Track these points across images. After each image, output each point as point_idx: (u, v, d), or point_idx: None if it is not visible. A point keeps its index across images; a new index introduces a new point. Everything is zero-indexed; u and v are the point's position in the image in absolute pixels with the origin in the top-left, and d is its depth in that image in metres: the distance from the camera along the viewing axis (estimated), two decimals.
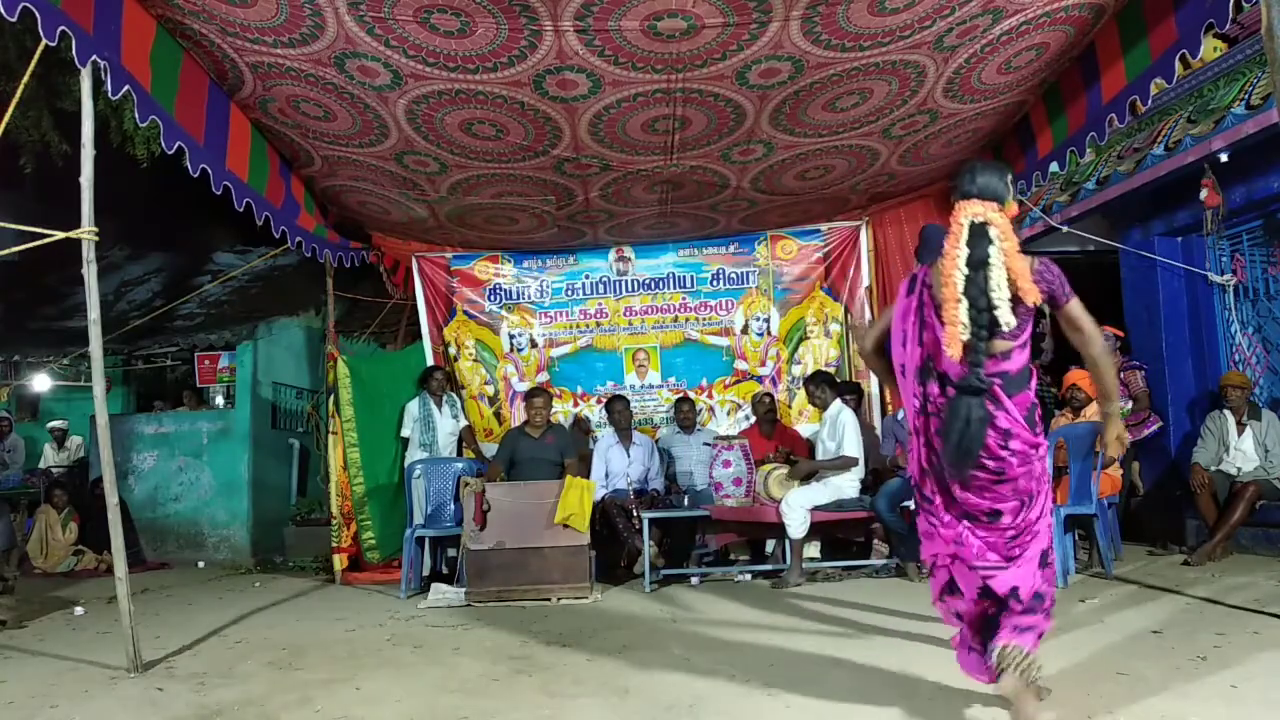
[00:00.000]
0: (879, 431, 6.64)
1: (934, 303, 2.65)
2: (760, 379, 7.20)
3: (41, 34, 3.29)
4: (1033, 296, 2.51)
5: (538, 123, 4.86)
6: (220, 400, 9.98)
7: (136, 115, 3.89)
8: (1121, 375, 6.32)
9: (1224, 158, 5.71)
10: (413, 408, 6.80)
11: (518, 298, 7.45)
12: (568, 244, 7.26)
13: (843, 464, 5.48)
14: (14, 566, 6.74)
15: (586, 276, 7.43)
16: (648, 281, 7.39)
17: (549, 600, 5.11)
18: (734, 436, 6.14)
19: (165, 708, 3.14)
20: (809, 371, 6.81)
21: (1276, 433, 5.53)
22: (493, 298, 7.44)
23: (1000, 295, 2.48)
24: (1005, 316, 2.49)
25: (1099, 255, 7.27)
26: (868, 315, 7.07)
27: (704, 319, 7.32)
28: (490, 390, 7.40)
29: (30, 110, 5.55)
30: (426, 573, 6.03)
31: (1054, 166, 5.33)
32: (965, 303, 2.50)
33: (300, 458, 9.46)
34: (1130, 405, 6.29)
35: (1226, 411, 5.64)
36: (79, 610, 5.38)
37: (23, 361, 10.99)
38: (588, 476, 5.98)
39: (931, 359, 2.65)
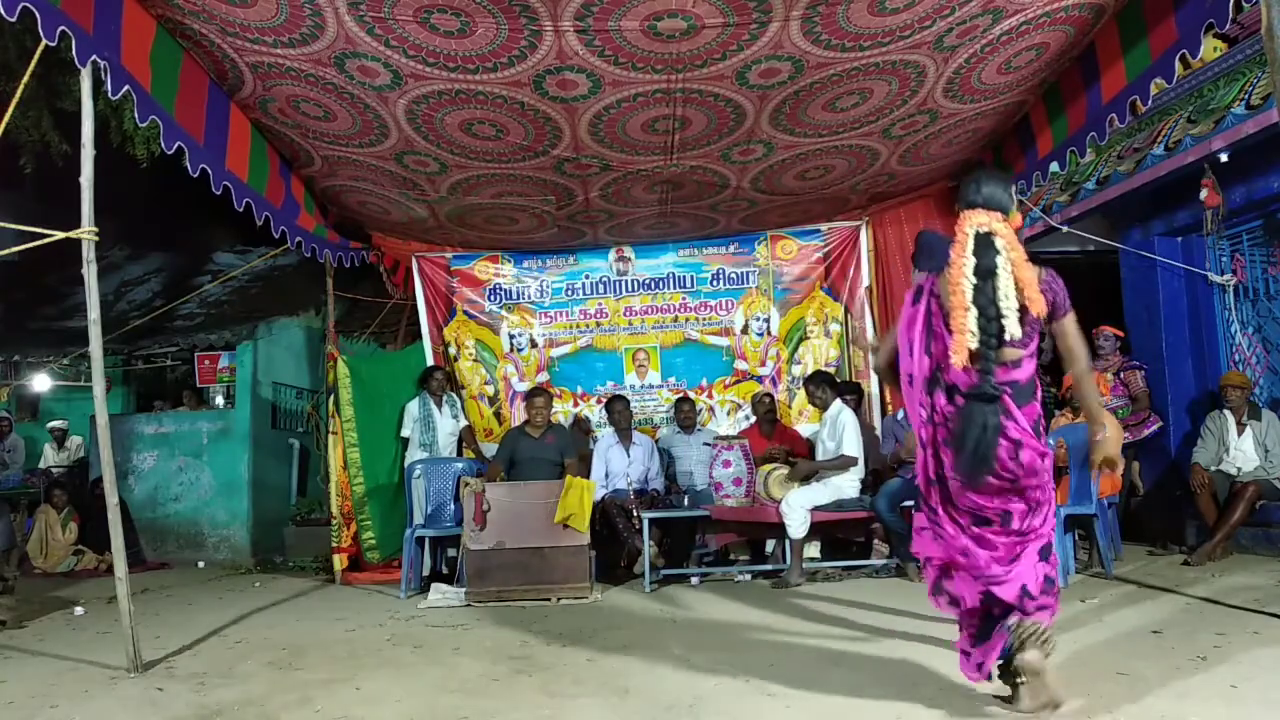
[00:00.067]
0: (879, 431, 6.63)
1: (942, 312, 2.67)
2: (760, 379, 7.20)
3: (41, 34, 3.29)
4: (1039, 307, 2.55)
5: (538, 123, 4.86)
6: (220, 400, 9.98)
7: (136, 115, 3.89)
8: (1121, 375, 6.33)
9: (1224, 158, 5.71)
10: (413, 408, 6.80)
11: (518, 298, 7.45)
12: (568, 244, 7.26)
13: (842, 464, 5.48)
14: (14, 566, 6.74)
15: (586, 276, 7.43)
16: (648, 281, 7.39)
17: (549, 600, 5.10)
18: (734, 436, 6.15)
19: (165, 708, 3.14)
20: (809, 371, 6.81)
21: (1276, 433, 5.53)
22: (493, 298, 7.44)
23: (1009, 305, 2.52)
24: (1012, 327, 2.52)
25: (1099, 255, 7.27)
26: (868, 316, 7.08)
27: (704, 319, 7.32)
28: (490, 390, 7.40)
29: (30, 110, 5.56)
30: (426, 573, 6.03)
31: (1054, 166, 5.33)
32: (974, 311, 2.54)
33: (300, 458, 9.46)
34: (1130, 405, 6.29)
35: (1226, 411, 5.64)
36: (79, 610, 5.38)
37: (23, 361, 10.99)
38: (588, 476, 5.98)
39: (940, 369, 2.67)
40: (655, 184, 5.88)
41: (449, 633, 4.35)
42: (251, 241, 7.46)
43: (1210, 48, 5.80)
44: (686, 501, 6.00)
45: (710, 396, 7.26)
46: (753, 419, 6.75)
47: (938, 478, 2.69)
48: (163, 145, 4.14)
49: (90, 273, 3.69)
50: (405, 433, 6.80)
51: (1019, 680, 2.63)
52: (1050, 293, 2.60)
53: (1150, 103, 5.09)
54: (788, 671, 3.27)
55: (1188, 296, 6.52)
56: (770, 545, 6.04)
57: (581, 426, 7.13)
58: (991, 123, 5.34)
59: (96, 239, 3.67)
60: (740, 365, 7.26)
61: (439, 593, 5.39)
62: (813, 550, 5.98)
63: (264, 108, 4.70)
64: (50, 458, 10.06)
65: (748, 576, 5.74)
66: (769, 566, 5.80)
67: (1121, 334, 6.51)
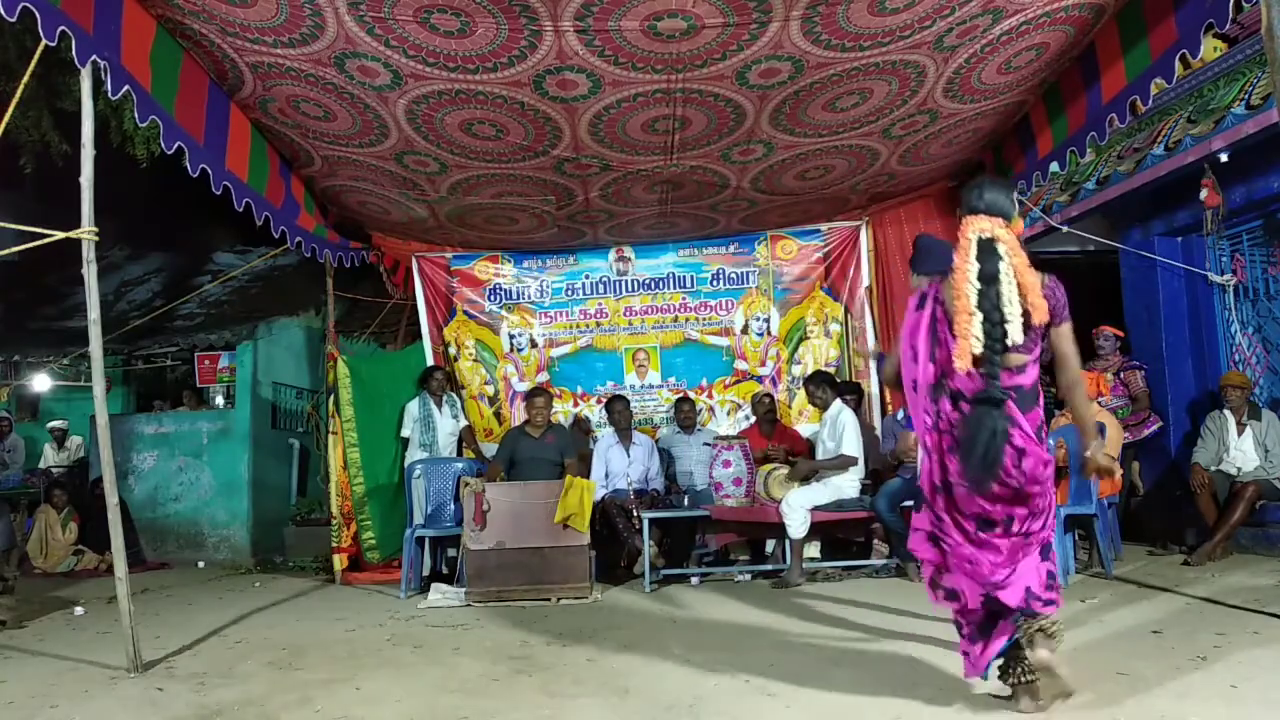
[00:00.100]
0: (879, 431, 6.63)
1: (947, 318, 2.69)
2: (760, 379, 7.20)
3: (41, 34, 3.29)
4: (1042, 314, 2.58)
5: (538, 123, 4.86)
6: (220, 400, 9.98)
7: (136, 115, 3.89)
8: (1121, 375, 6.33)
9: (1224, 158, 5.70)
10: (413, 408, 6.80)
11: (518, 298, 7.45)
12: (568, 244, 7.26)
13: (842, 464, 5.48)
14: (14, 566, 6.74)
15: (586, 276, 7.43)
16: (648, 281, 7.39)
17: (549, 600, 5.10)
18: (734, 436, 6.15)
19: (165, 708, 3.14)
20: (809, 371, 6.81)
21: (1276, 433, 5.53)
22: (493, 298, 7.44)
23: (1012, 310, 2.55)
24: (1015, 333, 2.55)
25: (1099, 255, 7.26)
26: (868, 316, 7.08)
27: (704, 319, 7.32)
28: (490, 390, 7.40)
29: (30, 110, 5.56)
30: (426, 573, 6.03)
31: (1054, 166, 5.33)
32: (979, 315, 2.56)
33: (300, 458, 9.46)
34: (1130, 405, 6.29)
35: (1226, 411, 5.64)
36: (79, 610, 5.38)
37: (23, 361, 10.99)
38: (588, 476, 5.98)
39: (945, 375, 2.68)
40: (655, 184, 5.88)
41: (449, 633, 4.35)
42: (251, 241, 7.46)
43: (1210, 48, 5.79)
44: (686, 501, 6.00)
45: (710, 396, 7.26)
46: (753, 419, 6.76)
47: (943, 484, 2.70)
48: (163, 145, 4.14)
49: (90, 273, 3.69)
50: (405, 433, 6.80)
51: (1023, 680, 2.64)
52: (1052, 299, 2.63)
53: (1150, 103, 5.09)
54: (788, 671, 3.27)
55: (1188, 296, 6.51)
56: (770, 545, 6.05)
57: (581, 426, 7.13)
58: (991, 123, 5.34)
59: (96, 239, 3.67)
60: (740, 365, 7.26)
61: (439, 593, 5.39)
62: (813, 550, 5.98)
63: (264, 108, 4.70)
64: (50, 458, 10.07)
65: (748, 576, 5.74)
66: (769, 566, 5.80)
67: (1121, 334, 6.51)
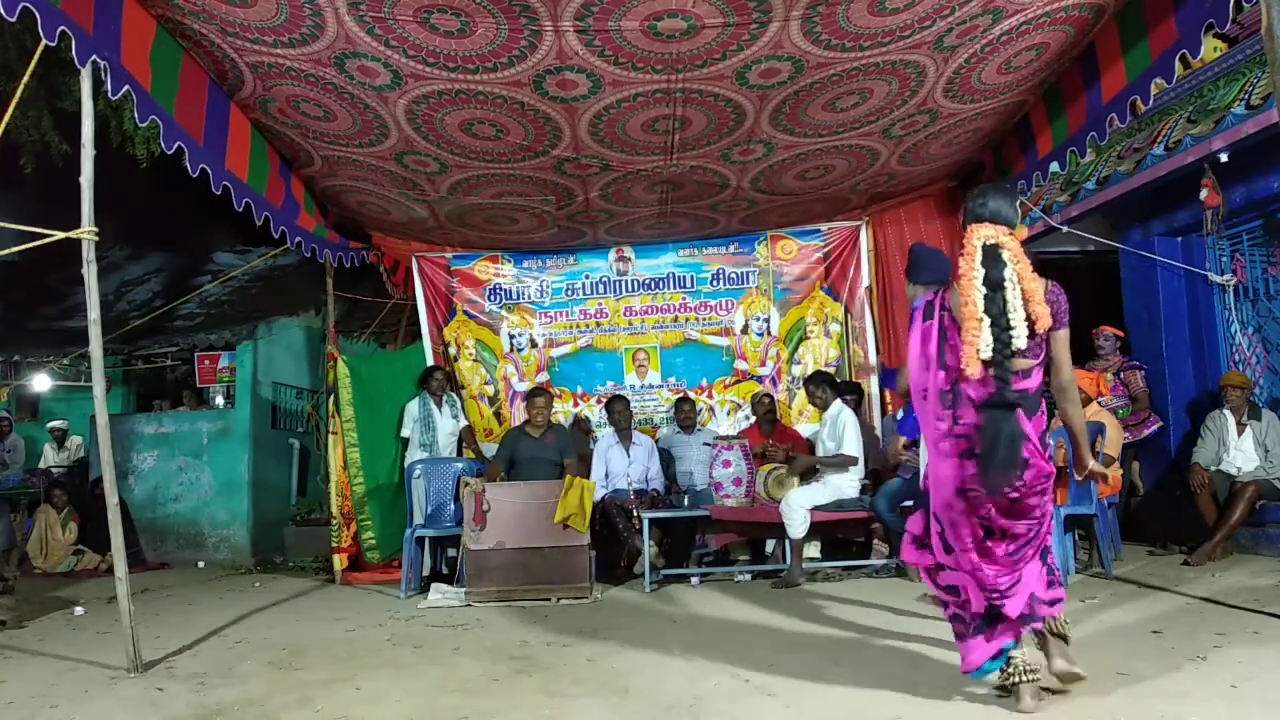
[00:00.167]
0: (879, 431, 6.64)
1: (955, 325, 2.73)
2: (760, 379, 7.20)
3: (41, 34, 3.29)
4: (1044, 321, 2.64)
5: (538, 123, 4.86)
6: (220, 400, 9.98)
7: (136, 115, 3.89)
8: (1121, 375, 6.33)
9: (1224, 158, 5.70)
10: (413, 408, 6.80)
11: (518, 298, 7.45)
12: (568, 244, 7.26)
13: (841, 462, 5.48)
14: (14, 566, 6.74)
15: (586, 276, 7.43)
16: (648, 281, 7.39)
17: (549, 600, 5.10)
18: (734, 436, 6.15)
19: (165, 708, 3.14)
20: (809, 371, 6.81)
21: (1276, 433, 5.53)
22: (493, 298, 7.44)
23: (1017, 316, 2.60)
24: (1019, 339, 2.60)
25: (1099, 255, 7.26)
26: (868, 316, 7.08)
27: (704, 319, 7.32)
28: (490, 390, 7.40)
29: (30, 110, 5.55)
30: (426, 573, 6.03)
31: (1054, 166, 5.33)
32: (987, 320, 2.61)
33: (300, 458, 9.46)
34: (1130, 405, 6.29)
35: (1226, 411, 5.64)
36: (79, 610, 5.38)
37: (23, 361, 10.98)
38: (588, 476, 5.98)
39: (958, 381, 2.71)
40: (655, 184, 5.88)
41: (449, 633, 4.35)
42: (251, 241, 7.46)
43: (1210, 48, 5.79)
44: (686, 501, 5.99)
45: (710, 396, 7.25)
46: (753, 419, 6.76)
47: (961, 489, 2.71)
48: (163, 145, 4.14)
49: (90, 273, 3.69)
50: (405, 433, 6.80)
51: (1024, 678, 2.65)
52: (1053, 304, 2.67)
53: (1150, 103, 5.09)
54: (788, 671, 3.27)
55: (1188, 296, 6.51)
56: (770, 545, 6.05)
57: (581, 426, 7.13)
58: (991, 123, 5.34)
59: (96, 239, 3.67)
60: (740, 365, 7.26)
61: (439, 593, 5.39)
62: (813, 550, 5.98)
63: (264, 108, 4.70)
64: (50, 458, 10.07)
65: (748, 576, 5.74)
66: (769, 566, 5.80)
67: (1121, 334, 6.51)
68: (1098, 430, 5.12)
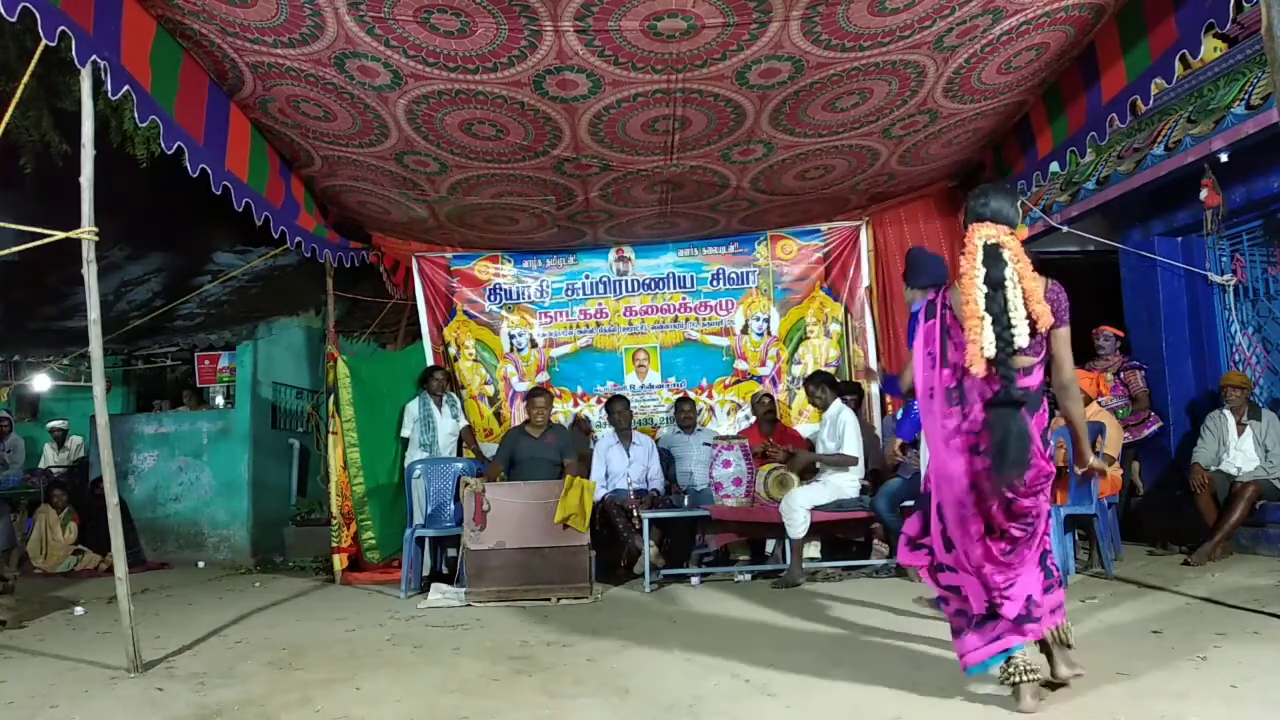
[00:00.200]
0: (879, 431, 6.64)
1: (957, 323, 2.75)
2: (760, 379, 7.20)
3: (41, 34, 3.29)
4: (1045, 320, 2.65)
5: (538, 123, 4.86)
6: (220, 400, 9.98)
7: (136, 115, 3.89)
8: (1121, 375, 6.33)
9: (1224, 158, 5.70)
10: (413, 408, 6.80)
11: (518, 298, 7.45)
12: (568, 244, 7.26)
13: (841, 460, 5.48)
14: (14, 566, 6.74)
15: (586, 276, 7.43)
16: (648, 281, 7.39)
17: (549, 600, 5.10)
18: (734, 436, 6.15)
19: (165, 708, 3.14)
20: (809, 371, 6.81)
21: (1276, 433, 5.53)
22: (493, 298, 7.44)
23: (1018, 315, 2.62)
24: (1020, 337, 2.62)
25: (1099, 255, 7.26)
26: (868, 316, 7.08)
27: (704, 319, 7.32)
28: (490, 390, 7.40)
29: (30, 110, 5.55)
30: (426, 573, 6.03)
31: (1054, 166, 5.33)
32: (989, 318, 2.63)
33: (300, 458, 9.46)
34: (1130, 405, 6.29)
35: (1226, 411, 5.64)
36: (79, 610, 5.38)
37: (23, 361, 10.98)
38: (588, 476, 5.98)
39: (964, 378, 2.74)
40: (655, 184, 5.88)
41: (449, 633, 4.35)
42: (251, 241, 7.46)
43: (1210, 48, 5.79)
44: (686, 501, 5.99)
45: (710, 396, 7.25)
46: (753, 419, 6.75)
47: (971, 486, 2.72)
48: (163, 145, 4.14)
49: (90, 273, 3.69)
50: (405, 433, 6.80)
51: (1024, 678, 2.65)
52: (1055, 303, 2.69)
53: (1150, 103, 5.09)
54: (788, 671, 3.27)
55: (1188, 296, 6.51)
56: (770, 545, 6.05)
57: (581, 426, 7.13)
58: (991, 123, 5.34)
59: (96, 239, 3.67)
60: (740, 365, 7.26)
61: (439, 593, 5.39)
62: (813, 550, 5.98)
63: (264, 108, 4.70)
64: (50, 458, 10.07)
65: (748, 576, 5.74)
66: (769, 566, 5.80)
67: (1121, 334, 6.51)
68: (1098, 430, 5.11)
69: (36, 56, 3.64)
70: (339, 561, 6.42)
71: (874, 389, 6.92)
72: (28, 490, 8.70)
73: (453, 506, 6.03)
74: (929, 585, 2.99)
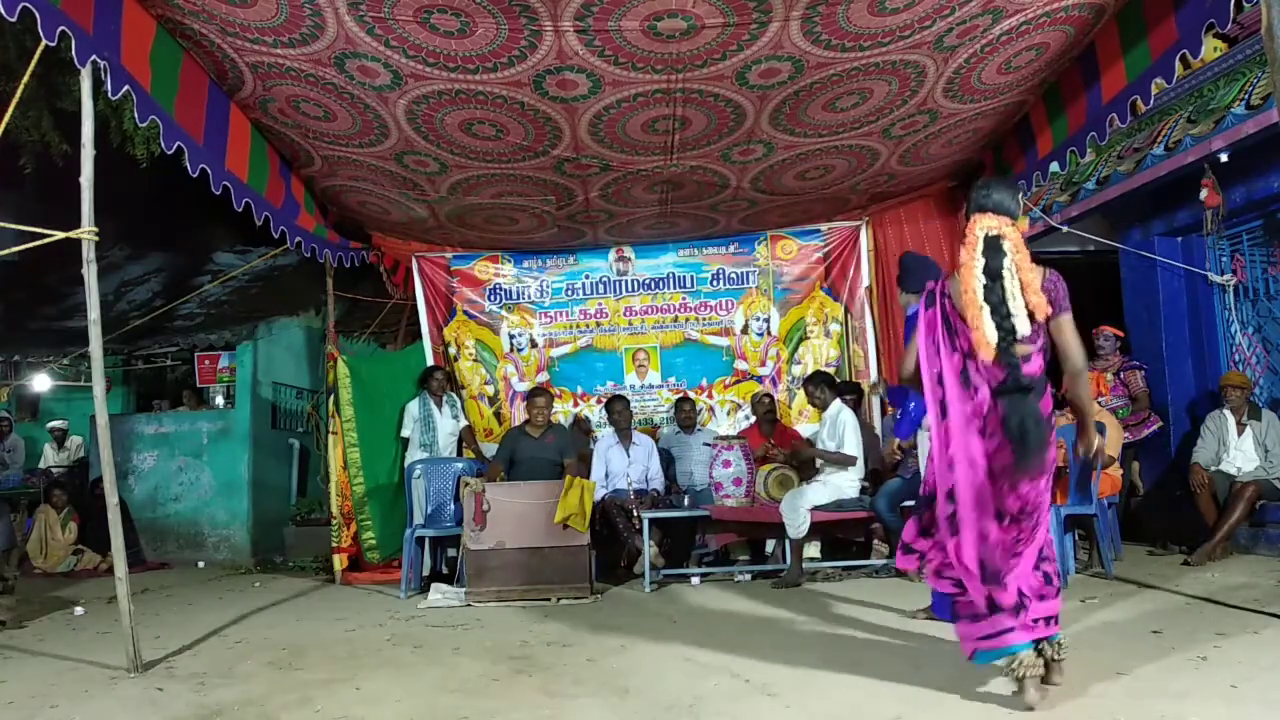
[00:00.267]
0: (879, 431, 6.64)
1: (956, 311, 2.78)
2: (760, 379, 7.20)
3: (41, 34, 3.29)
4: (1042, 310, 2.66)
5: (538, 123, 4.86)
6: (220, 400, 9.98)
7: (136, 115, 3.89)
8: (1121, 375, 6.33)
9: (1224, 158, 5.70)
10: (413, 408, 6.80)
11: (518, 298, 7.45)
12: (568, 244, 7.26)
13: (841, 459, 5.48)
14: (14, 566, 6.74)
15: (586, 276, 7.43)
16: (648, 281, 7.39)
17: (549, 600, 5.10)
18: (734, 436, 6.15)
19: (165, 708, 3.14)
20: (809, 371, 6.81)
21: (1276, 433, 5.53)
22: (493, 298, 7.44)
23: (1016, 305, 2.64)
24: (1020, 326, 2.64)
25: (1099, 255, 7.26)
26: (868, 316, 7.08)
27: (704, 319, 7.33)
28: (490, 390, 7.40)
29: (30, 110, 5.54)
30: (426, 573, 6.03)
31: (1054, 166, 5.33)
32: (988, 308, 2.66)
33: (300, 458, 9.46)
34: (1130, 405, 6.29)
35: (1226, 411, 5.64)
36: (79, 610, 5.38)
37: (23, 361, 10.98)
38: (588, 476, 5.98)
39: (969, 362, 2.75)
40: (655, 184, 5.88)
41: (449, 633, 4.35)
42: (251, 241, 7.45)
43: (1210, 48, 5.79)
44: (686, 501, 6.00)
45: (710, 396, 7.26)
46: (753, 419, 6.75)
47: (990, 470, 2.72)
48: (163, 145, 4.14)
49: (90, 273, 3.69)
50: (405, 433, 6.80)
51: (1026, 675, 2.65)
52: (1052, 290, 2.70)
53: (1150, 103, 5.09)
54: (788, 671, 3.27)
55: (1188, 296, 6.52)
56: (770, 545, 6.05)
57: (581, 426, 7.13)
58: (991, 123, 5.34)
59: (96, 239, 3.67)
60: (740, 365, 7.26)
61: (439, 593, 5.39)
62: (813, 550, 5.98)
63: (264, 108, 4.70)
64: (50, 458, 10.07)
65: (748, 576, 5.74)
66: (769, 566, 5.80)
67: (1121, 334, 6.51)
68: (1098, 430, 5.11)
69: (36, 56, 3.64)
70: (339, 561, 6.42)
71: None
72: (28, 490, 8.70)
73: (453, 506, 6.03)
74: (931, 585, 2.99)
